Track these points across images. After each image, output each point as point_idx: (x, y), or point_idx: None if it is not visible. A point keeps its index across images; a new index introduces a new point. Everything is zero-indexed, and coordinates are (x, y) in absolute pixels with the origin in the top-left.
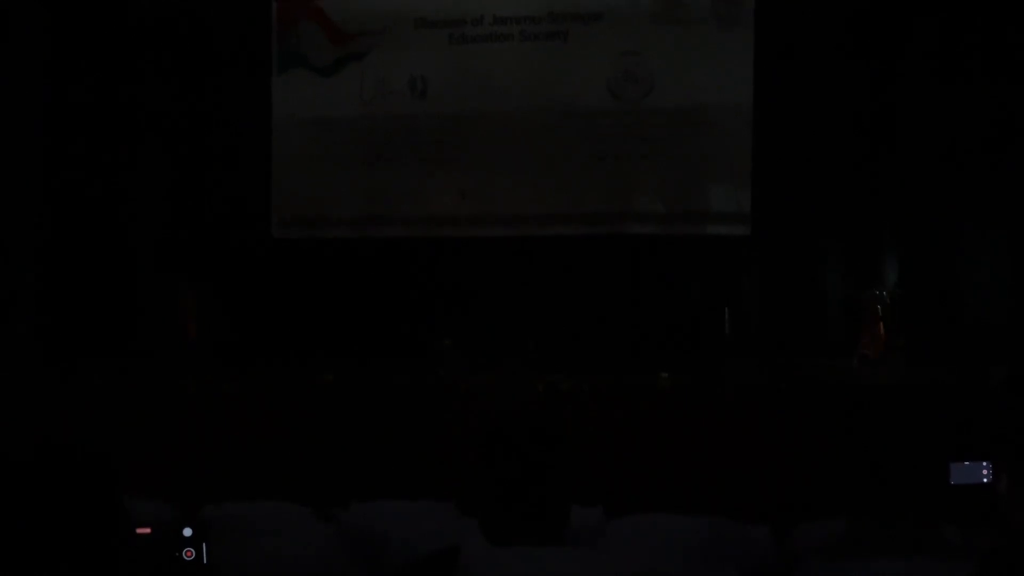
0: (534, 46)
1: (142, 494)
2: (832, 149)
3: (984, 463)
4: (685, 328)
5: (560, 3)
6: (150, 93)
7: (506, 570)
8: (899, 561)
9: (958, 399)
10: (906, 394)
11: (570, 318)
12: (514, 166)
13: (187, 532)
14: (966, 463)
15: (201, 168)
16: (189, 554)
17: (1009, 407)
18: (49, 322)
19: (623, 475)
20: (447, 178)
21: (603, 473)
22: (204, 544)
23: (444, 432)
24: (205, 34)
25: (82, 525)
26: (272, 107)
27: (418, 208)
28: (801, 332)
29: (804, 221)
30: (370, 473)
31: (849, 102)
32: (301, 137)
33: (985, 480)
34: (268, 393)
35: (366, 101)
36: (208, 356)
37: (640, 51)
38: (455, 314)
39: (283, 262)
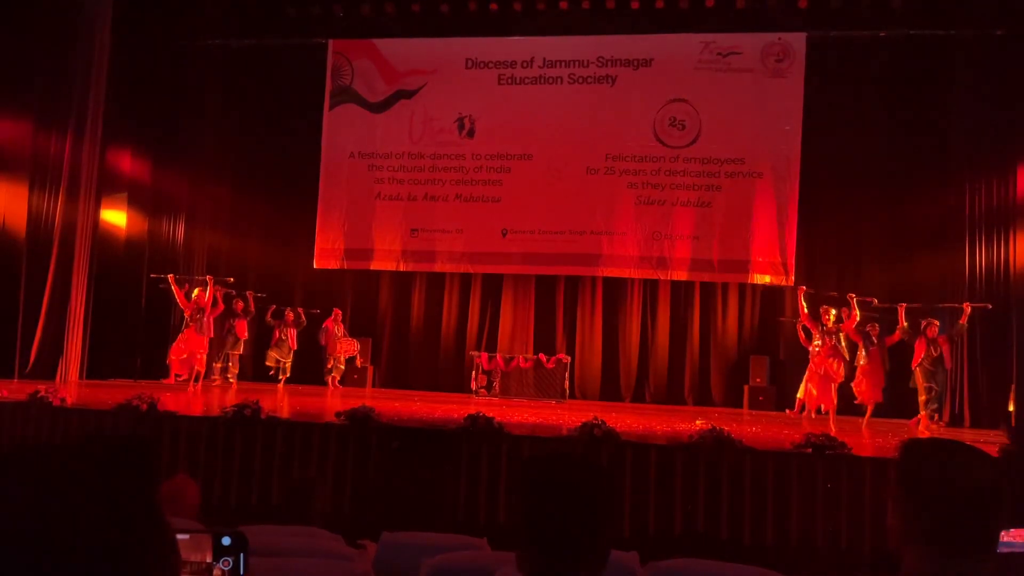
0: (582, 90)
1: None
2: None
3: None
4: (725, 373)
5: (610, 48)
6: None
7: None
8: None
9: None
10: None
11: (608, 358)
12: (557, 208)
13: (226, 541)
14: (1012, 531)
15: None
16: (226, 564)
17: None
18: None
19: (659, 519)
20: (490, 216)
21: (639, 517)
22: (242, 555)
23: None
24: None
25: (125, 514)
26: (322, 141)
27: (460, 244)
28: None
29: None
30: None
31: (895, 151)
32: (349, 171)
33: None
34: None
35: (415, 138)
36: None
37: (688, 98)
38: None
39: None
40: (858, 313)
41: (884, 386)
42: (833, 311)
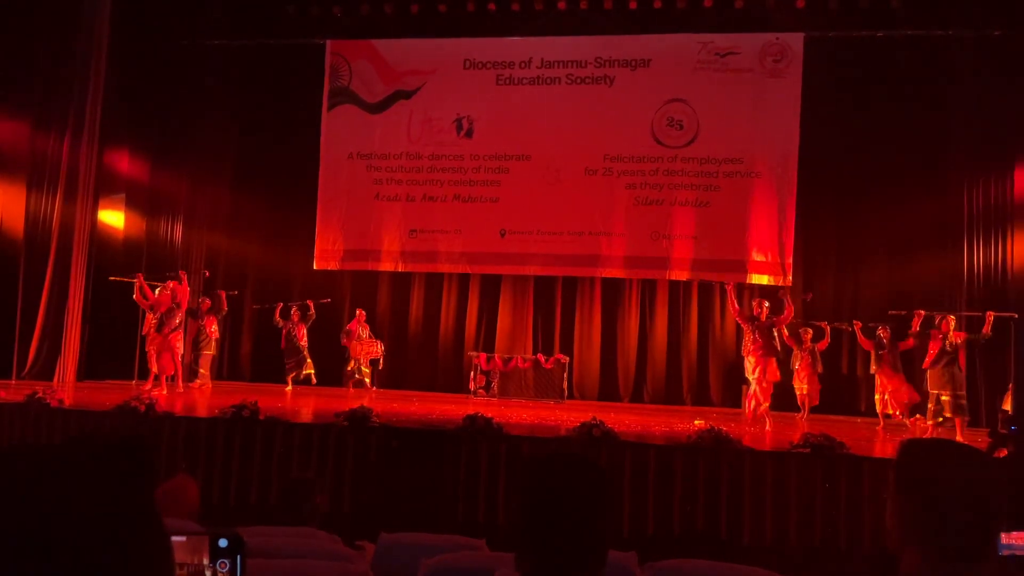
0: (580, 90)
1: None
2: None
3: None
4: (723, 373)
5: (608, 48)
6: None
7: None
8: None
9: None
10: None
11: (606, 358)
12: (555, 208)
13: (223, 543)
14: (1015, 533)
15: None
16: (223, 566)
17: None
18: None
19: (658, 520)
20: (488, 217)
21: (638, 517)
22: (239, 556)
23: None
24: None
25: (118, 517)
26: (321, 142)
27: (459, 245)
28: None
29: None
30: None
31: (893, 151)
32: (348, 171)
33: None
34: None
35: (413, 138)
36: None
37: (686, 98)
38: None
39: None
40: (792, 308)
41: (906, 389)
42: (767, 303)
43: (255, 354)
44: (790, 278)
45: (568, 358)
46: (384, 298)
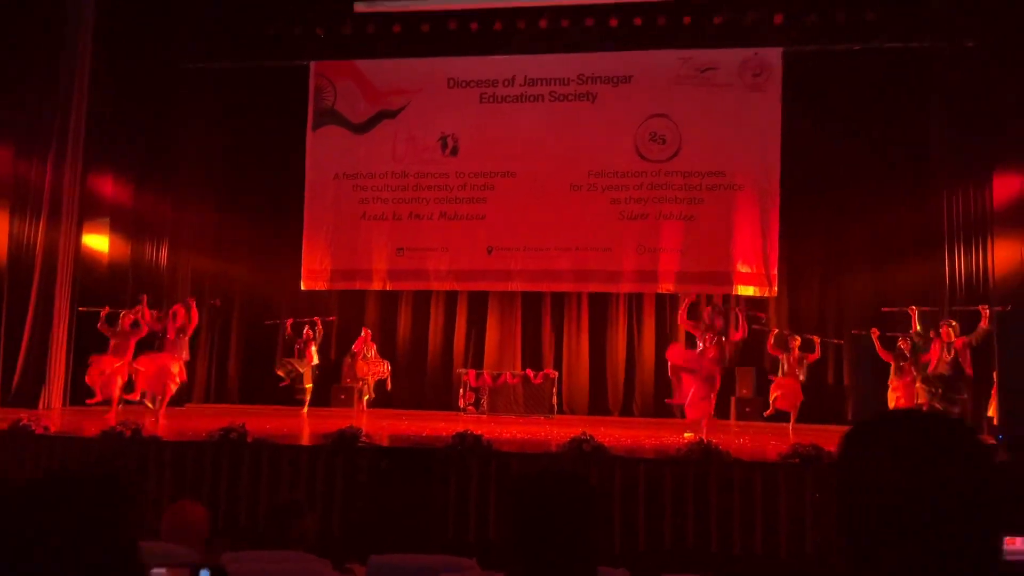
0: (563, 107)
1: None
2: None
3: None
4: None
5: (590, 65)
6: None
7: None
8: None
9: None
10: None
11: (595, 372)
12: (541, 224)
13: (204, 574)
14: (1020, 539)
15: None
16: None
17: None
18: None
19: (649, 535)
20: (475, 234)
21: (629, 533)
22: None
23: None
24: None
25: (95, 552)
26: (306, 163)
27: (446, 262)
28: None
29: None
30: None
31: (874, 161)
32: (334, 192)
33: None
34: None
35: (398, 157)
36: None
37: (668, 113)
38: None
39: None
40: (747, 327)
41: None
42: (719, 316)
43: (243, 376)
44: (775, 288)
45: (557, 373)
46: (372, 317)
